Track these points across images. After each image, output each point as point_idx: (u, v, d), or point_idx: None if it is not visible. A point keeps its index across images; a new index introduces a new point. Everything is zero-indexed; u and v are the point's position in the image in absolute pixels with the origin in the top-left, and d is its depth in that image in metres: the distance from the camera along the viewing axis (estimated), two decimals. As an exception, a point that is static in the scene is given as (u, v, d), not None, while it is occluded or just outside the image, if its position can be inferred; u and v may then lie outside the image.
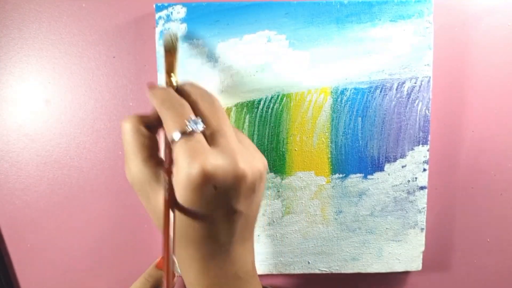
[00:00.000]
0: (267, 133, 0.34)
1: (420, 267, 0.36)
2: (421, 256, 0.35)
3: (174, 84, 0.26)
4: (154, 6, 0.32)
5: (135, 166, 0.24)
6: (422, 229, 0.35)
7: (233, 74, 0.33)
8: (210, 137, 0.23)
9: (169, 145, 0.23)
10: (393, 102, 0.34)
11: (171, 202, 0.22)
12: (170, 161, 0.23)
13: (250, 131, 0.34)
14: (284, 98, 0.33)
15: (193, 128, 0.22)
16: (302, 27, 0.33)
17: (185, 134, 0.22)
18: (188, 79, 0.32)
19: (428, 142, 0.34)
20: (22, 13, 0.34)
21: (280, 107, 0.34)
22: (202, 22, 0.33)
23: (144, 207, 0.25)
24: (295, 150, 0.34)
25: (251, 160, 0.23)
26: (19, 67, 0.34)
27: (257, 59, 0.33)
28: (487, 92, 0.36)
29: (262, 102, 0.33)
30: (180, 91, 0.25)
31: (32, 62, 0.34)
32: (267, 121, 0.34)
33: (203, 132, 0.23)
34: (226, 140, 0.23)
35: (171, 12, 0.32)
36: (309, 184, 0.34)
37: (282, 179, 0.34)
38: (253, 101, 0.33)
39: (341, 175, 0.34)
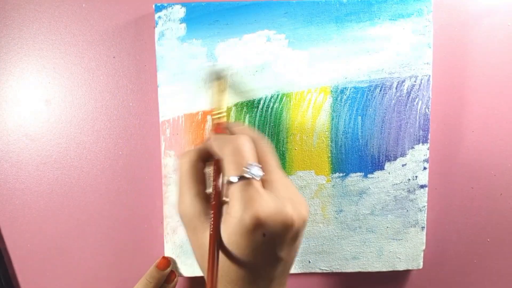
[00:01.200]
0: (267, 133, 0.34)
1: (421, 266, 0.36)
2: (422, 255, 0.35)
3: (222, 116, 0.28)
4: (153, 6, 0.32)
5: (188, 199, 0.24)
6: (422, 227, 0.35)
7: (233, 73, 0.33)
8: (265, 182, 0.24)
9: (216, 181, 0.24)
10: (393, 101, 0.34)
11: (216, 237, 0.23)
12: (218, 198, 0.24)
13: (250, 130, 0.34)
14: (284, 98, 0.33)
15: (253, 175, 0.22)
16: (301, 26, 0.33)
17: (243, 178, 0.22)
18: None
19: (428, 141, 0.34)
20: (22, 13, 0.34)
21: (280, 107, 0.34)
22: (202, 22, 0.33)
23: (189, 241, 0.25)
24: (295, 149, 0.34)
25: (298, 207, 0.23)
26: (19, 67, 0.35)
27: (257, 59, 0.33)
28: (487, 91, 0.36)
29: (262, 102, 0.33)
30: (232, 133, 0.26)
31: (32, 62, 0.35)
32: (267, 121, 0.34)
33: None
34: (280, 186, 0.24)
35: (171, 12, 0.32)
36: (309, 183, 0.34)
37: (282, 178, 0.34)
38: (253, 101, 0.33)
39: (341, 174, 0.34)
